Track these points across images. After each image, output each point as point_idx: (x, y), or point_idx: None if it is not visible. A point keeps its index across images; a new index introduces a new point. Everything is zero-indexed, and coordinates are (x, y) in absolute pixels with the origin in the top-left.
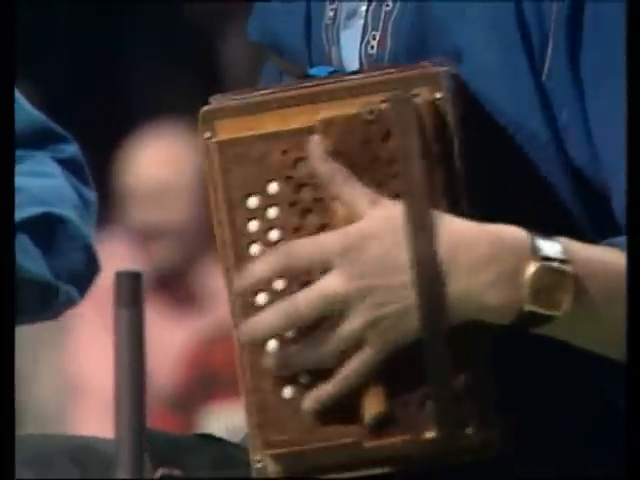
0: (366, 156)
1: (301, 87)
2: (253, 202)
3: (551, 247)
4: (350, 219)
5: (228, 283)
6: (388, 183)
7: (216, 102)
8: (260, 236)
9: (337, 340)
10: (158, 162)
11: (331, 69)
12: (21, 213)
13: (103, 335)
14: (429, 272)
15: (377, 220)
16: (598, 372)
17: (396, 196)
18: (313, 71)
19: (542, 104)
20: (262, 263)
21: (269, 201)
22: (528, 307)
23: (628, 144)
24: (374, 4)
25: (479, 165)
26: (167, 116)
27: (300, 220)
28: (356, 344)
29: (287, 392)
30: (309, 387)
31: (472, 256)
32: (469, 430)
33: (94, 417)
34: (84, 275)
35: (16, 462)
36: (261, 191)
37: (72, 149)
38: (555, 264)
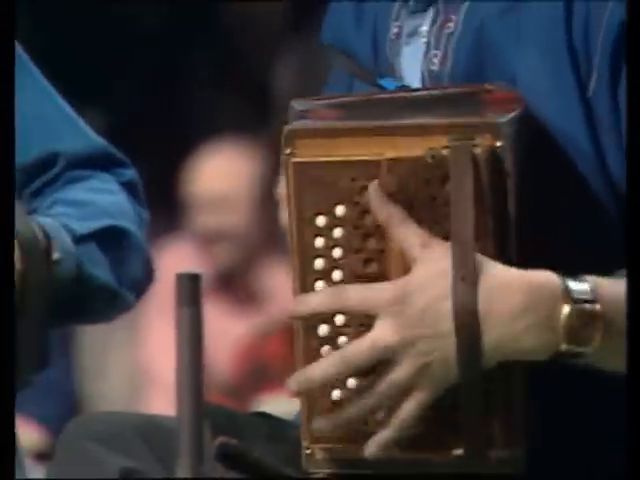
0: (425, 195)
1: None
2: (321, 221)
3: (581, 288)
4: (404, 254)
5: (294, 288)
6: (442, 223)
7: (298, 105)
8: (324, 252)
9: (388, 386)
10: (218, 174)
11: (400, 84)
12: (91, 224)
13: (168, 330)
14: (467, 321)
15: (424, 271)
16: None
17: (448, 236)
18: (383, 82)
19: (589, 125)
20: (318, 297)
21: (336, 222)
22: (563, 347)
23: (629, 144)
24: (436, 25)
25: (536, 179)
26: (225, 135)
27: (361, 243)
28: (406, 388)
29: (335, 395)
30: (354, 392)
31: (508, 305)
32: (494, 452)
33: (160, 404)
34: (142, 283)
35: (89, 438)
36: (329, 212)
37: (130, 173)
38: (586, 306)
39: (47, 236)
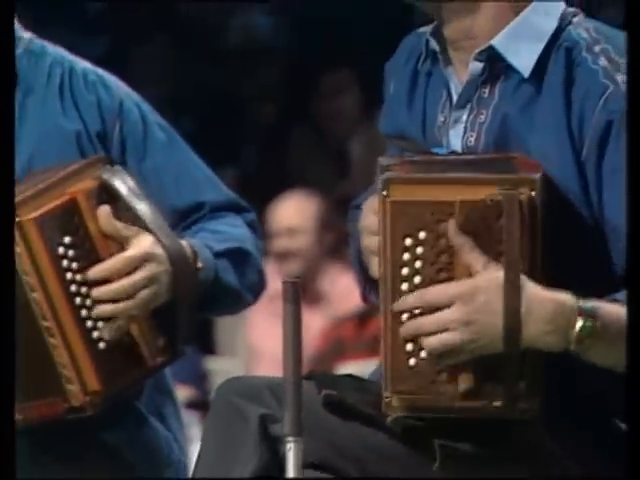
0: (485, 228)
1: (450, 170)
2: (408, 241)
3: (588, 309)
4: (469, 269)
5: (384, 288)
6: (495, 246)
7: (383, 160)
8: (409, 263)
9: (444, 347)
10: (291, 214)
11: (450, 150)
12: (224, 245)
13: (272, 320)
14: (512, 318)
15: (485, 279)
16: (604, 377)
17: (498, 255)
18: (436, 150)
19: (582, 177)
20: (410, 298)
21: (418, 242)
22: (572, 348)
23: (629, 147)
24: (472, 116)
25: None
26: (302, 187)
27: (436, 257)
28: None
29: (412, 362)
30: (425, 360)
31: (540, 313)
32: (520, 404)
33: (264, 371)
34: (257, 289)
35: (235, 394)
36: (414, 235)
37: (252, 216)
38: (590, 323)
39: (194, 250)
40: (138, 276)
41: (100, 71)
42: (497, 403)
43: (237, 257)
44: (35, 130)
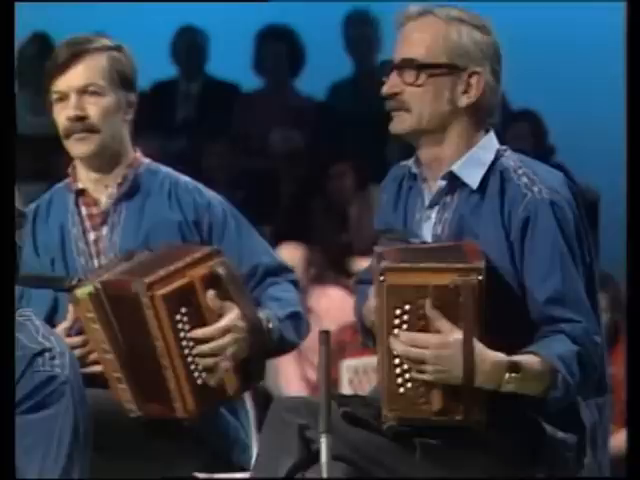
0: (450, 304)
1: (425, 261)
2: (397, 311)
3: (513, 364)
4: (438, 331)
5: (380, 339)
6: (458, 317)
7: (378, 249)
8: (399, 326)
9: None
10: (285, 258)
11: (422, 239)
12: (285, 311)
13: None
14: (467, 369)
15: (451, 339)
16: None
17: (460, 322)
18: (412, 240)
19: (512, 254)
20: (397, 344)
21: (404, 312)
22: (501, 389)
23: (628, 148)
24: (439, 215)
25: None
26: (317, 239)
27: (417, 322)
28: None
29: (401, 390)
30: (412, 387)
31: (484, 366)
32: (477, 417)
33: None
34: (305, 335)
35: (284, 409)
36: (402, 307)
37: (294, 275)
38: (514, 375)
39: (268, 318)
40: (225, 340)
41: (199, 184)
42: (458, 417)
43: (294, 319)
44: (151, 220)
